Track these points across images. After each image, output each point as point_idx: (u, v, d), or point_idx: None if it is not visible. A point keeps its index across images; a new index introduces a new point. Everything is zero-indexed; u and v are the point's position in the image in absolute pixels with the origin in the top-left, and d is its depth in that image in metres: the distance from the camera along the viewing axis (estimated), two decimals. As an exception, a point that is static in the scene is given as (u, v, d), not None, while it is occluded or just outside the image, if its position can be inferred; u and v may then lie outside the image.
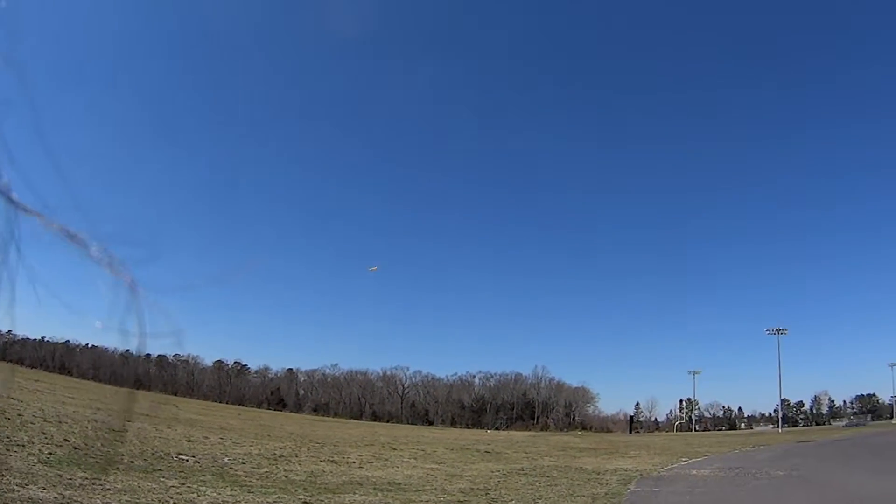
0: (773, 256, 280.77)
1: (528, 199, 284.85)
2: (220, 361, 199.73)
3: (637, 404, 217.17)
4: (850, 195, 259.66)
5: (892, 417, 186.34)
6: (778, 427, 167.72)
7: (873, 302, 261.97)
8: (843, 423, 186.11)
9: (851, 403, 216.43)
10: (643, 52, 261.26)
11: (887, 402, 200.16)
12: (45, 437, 23.63)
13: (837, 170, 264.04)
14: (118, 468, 20.20)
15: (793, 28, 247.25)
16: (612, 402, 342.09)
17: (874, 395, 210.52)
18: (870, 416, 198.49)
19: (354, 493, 21.32)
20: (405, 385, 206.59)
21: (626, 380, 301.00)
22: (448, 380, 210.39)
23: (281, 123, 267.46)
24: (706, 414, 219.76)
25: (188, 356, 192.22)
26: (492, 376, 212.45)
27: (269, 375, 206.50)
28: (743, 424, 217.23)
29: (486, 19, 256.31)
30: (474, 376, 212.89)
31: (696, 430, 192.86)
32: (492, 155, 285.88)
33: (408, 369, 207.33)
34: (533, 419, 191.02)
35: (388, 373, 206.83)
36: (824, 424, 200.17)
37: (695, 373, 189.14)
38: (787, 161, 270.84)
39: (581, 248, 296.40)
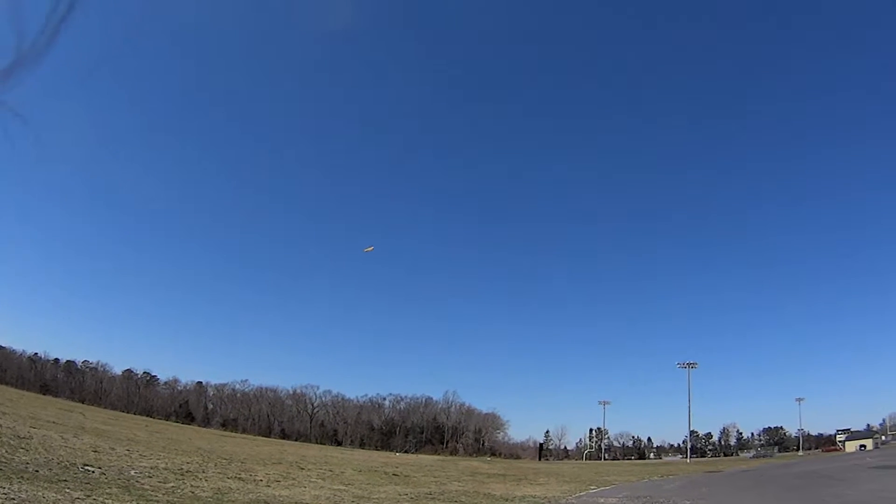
0: (687, 291, 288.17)
1: (444, 222, 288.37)
2: (129, 370, 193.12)
3: (547, 432, 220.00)
4: (760, 232, 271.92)
5: (798, 449, 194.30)
6: (687, 457, 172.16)
7: (783, 340, 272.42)
8: (751, 455, 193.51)
9: (759, 436, 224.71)
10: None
11: (794, 434, 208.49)
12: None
13: (748, 210, 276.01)
14: (22, 477, 19.75)
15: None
16: (522, 428, 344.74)
17: (781, 427, 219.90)
18: (777, 447, 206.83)
19: (260, 512, 21.32)
20: (315, 404, 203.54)
21: (537, 407, 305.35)
22: (358, 401, 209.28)
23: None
24: (616, 443, 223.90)
25: (97, 363, 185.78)
26: (402, 399, 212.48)
27: (178, 388, 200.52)
28: (652, 454, 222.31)
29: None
30: (384, 398, 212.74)
31: (605, 459, 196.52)
32: (408, 174, 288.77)
33: (318, 388, 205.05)
34: (442, 443, 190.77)
35: (298, 391, 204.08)
36: (732, 455, 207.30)
37: (605, 403, 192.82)
38: (697, 199, 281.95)
39: (493, 276, 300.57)
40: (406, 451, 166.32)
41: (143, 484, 24.36)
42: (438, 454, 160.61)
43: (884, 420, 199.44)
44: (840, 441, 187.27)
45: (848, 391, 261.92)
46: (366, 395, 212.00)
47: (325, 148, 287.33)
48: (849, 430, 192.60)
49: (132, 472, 27.35)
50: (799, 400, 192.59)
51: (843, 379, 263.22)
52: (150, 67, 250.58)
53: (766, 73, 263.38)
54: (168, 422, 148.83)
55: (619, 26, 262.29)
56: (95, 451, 33.27)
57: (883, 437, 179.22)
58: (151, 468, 30.67)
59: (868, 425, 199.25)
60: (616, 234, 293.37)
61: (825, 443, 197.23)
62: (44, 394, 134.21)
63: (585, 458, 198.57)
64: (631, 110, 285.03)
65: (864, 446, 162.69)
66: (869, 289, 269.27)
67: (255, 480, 33.47)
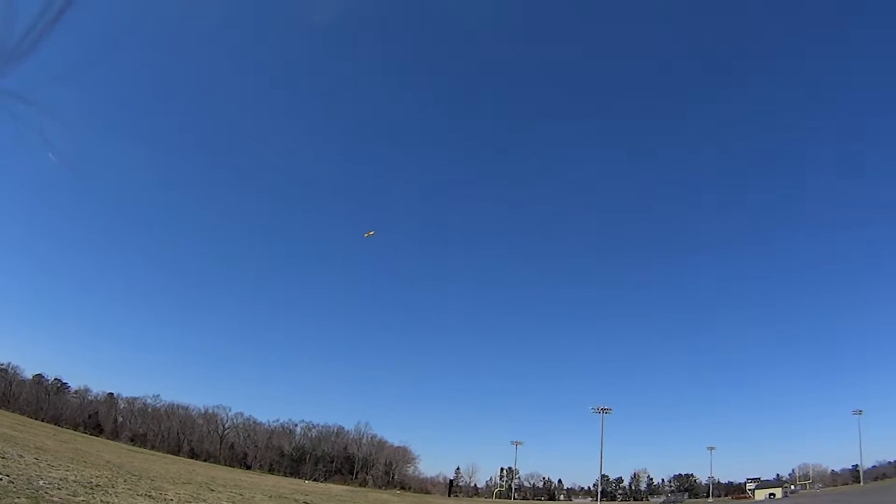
0: (604, 337, 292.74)
1: (362, 253, 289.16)
2: (39, 376, 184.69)
3: (458, 469, 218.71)
4: (675, 282, 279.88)
5: (707, 496, 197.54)
6: (597, 500, 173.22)
7: (696, 389, 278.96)
8: (661, 501, 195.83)
9: (670, 482, 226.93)
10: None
11: (704, 482, 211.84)
12: None
13: (663, 258, 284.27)
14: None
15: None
16: (433, 464, 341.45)
17: (692, 475, 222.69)
18: (687, 494, 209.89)
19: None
20: (226, 425, 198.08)
21: (449, 443, 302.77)
22: (269, 425, 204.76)
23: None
24: (526, 483, 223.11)
25: (7, 365, 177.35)
26: (314, 427, 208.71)
27: (89, 397, 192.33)
28: (562, 496, 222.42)
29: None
30: (296, 425, 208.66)
31: (515, 499, 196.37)
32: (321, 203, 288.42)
33: (229, 410, 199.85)
34: (352, 474, 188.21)
35: (210, 411, 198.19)
36: (642, 500, 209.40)
37: (517, 443, 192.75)
38: (616, 245, 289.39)
39: (411, 311, 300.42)
40: (315, 480, 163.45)
41: (52, 496, 23.66)
42: (348, 484, 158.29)
43: (793, 470, 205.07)
44: (750, 489, 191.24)
45: (759, 441, 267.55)
46: (278, 420, 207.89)
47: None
48: (759, 478, 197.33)
49: (41, 483, 26.49)
50: (710, 448, 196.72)
51: (754, 429, 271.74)
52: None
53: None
54: (76, 432, 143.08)
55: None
56: (3, 458, 32.09)
57: (792, 487, 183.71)
58: (60, 479, 29.71)
59: (778, 475, 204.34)
60: (535, 275, 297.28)
61: (735, 491, 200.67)
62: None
63: (495, 497, 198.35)
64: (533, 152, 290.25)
65: (774, 495, 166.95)
66: (781, 342, 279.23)
67: (165, 500, 32.75)
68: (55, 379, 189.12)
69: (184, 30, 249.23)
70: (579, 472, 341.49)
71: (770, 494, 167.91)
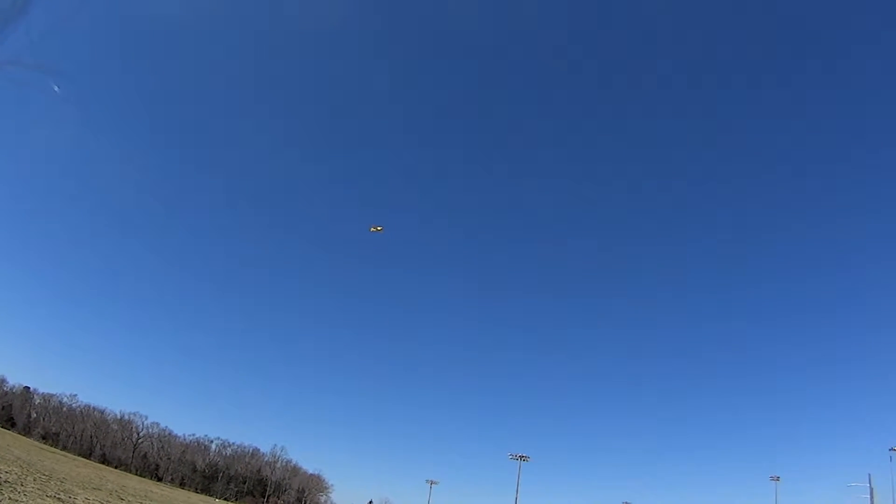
0: (527, 389, 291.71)
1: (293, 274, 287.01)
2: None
3: (370, 502, 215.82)
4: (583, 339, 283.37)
5: None
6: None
7: (614, 439, 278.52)
8: None
9: None
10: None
11: None
12: None
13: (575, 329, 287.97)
14: None
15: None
16: (346, 495, 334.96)
17: None
18: None
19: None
20: (140, 434, 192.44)
21: (364, 476, 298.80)
22: (185, 439, 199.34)
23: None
24: None
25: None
26: (229, 445, 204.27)
27: (4, 388, 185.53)
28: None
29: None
30: (212, 441, 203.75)
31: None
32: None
33: (146, 418, 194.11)
34: (264, 497, 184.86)
35: (126, 417, 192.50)
36: None
37: (432, 482, 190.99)
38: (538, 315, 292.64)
39: (336, 340, 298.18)
40: (226, 499, 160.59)
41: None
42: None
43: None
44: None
45: (671, 496, 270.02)
46: (193, 435, 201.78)
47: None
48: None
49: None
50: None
51: (670, 489, 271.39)
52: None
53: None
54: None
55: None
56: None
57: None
58: (-29, 472, 29.53)
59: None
60: (456, 319, 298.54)
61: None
62: None
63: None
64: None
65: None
66: (701, 399, 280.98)
67: None
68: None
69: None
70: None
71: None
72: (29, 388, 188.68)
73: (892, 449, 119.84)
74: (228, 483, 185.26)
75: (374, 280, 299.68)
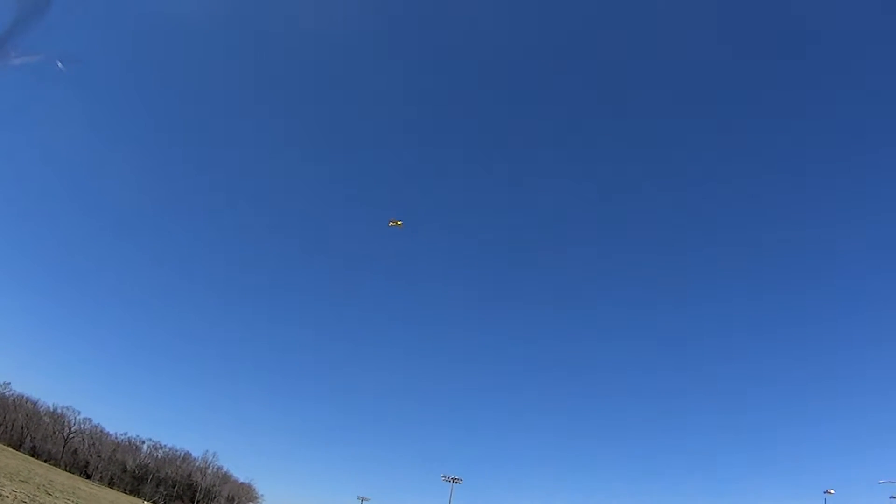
0: (457, 411, 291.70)
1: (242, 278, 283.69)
2: None
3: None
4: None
5: None
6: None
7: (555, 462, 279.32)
8: None
9: None
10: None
11: None
12: None
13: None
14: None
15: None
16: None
17: None
18: None
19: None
20: (72, 429, 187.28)
21: (295, 488, 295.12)
22: (116, 437, 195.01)
23: None
24: None
25: None
26: (161, 447, 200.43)
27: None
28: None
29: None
30: (143, 442, 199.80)
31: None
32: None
33: (79, 414, 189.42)
34: (193, 502, 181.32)
35: (58, 411, 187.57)
36: None
37: (363, 499, 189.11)
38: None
39: (276, 352, 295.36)
40: (155, 502, 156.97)
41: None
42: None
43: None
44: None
45: None
46: (125, 434, 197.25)
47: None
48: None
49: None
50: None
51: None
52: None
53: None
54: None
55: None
56: None
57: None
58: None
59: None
60: (396, 338, 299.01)
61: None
62: None
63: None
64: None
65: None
66: (603, 425, 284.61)
67: (1, 495, 32.77)
68: None
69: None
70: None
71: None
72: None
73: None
74: (158, 486, 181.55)
75: (312, 296, 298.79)
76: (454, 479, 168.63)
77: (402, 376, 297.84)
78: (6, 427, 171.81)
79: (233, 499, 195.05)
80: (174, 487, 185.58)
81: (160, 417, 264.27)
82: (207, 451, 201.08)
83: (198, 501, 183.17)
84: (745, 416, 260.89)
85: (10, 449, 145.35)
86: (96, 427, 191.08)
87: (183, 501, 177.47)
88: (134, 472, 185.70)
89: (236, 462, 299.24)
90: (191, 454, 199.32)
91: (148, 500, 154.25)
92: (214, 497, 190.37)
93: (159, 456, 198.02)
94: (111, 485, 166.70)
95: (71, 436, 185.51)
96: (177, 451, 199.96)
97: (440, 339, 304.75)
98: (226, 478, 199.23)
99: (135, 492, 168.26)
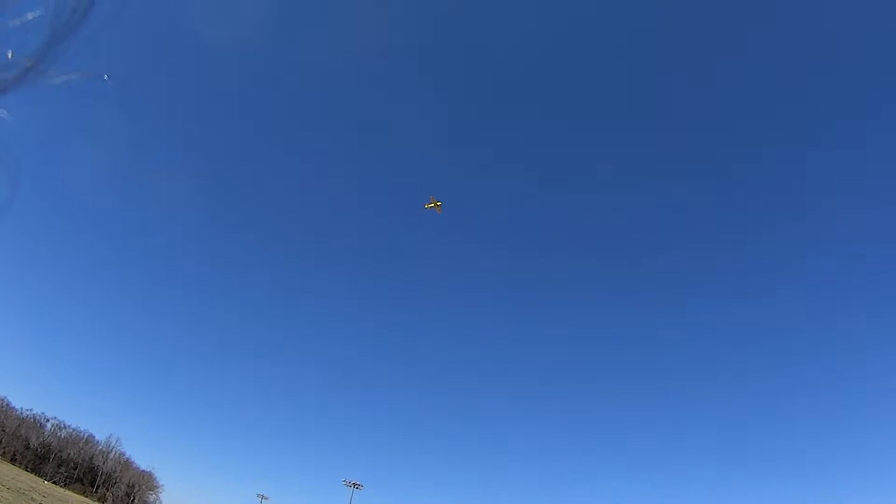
0: (363, 419, 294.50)
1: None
2: None
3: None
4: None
5: None
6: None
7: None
8: None
9: None
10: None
11: None
12: None
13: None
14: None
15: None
16: (177, 497, 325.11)
17: None
18: None
19: None
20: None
21: (196, 481, 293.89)
22: (22, 413, 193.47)
23: None
24: None
25: None
26: (65, 427, 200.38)
27: None
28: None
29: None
30: (48, 420, 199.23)
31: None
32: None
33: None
34: (93, 486, 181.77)
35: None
36: None
37: (262, 497, 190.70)
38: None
39: (183, 342, 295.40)
40: (55, 482, 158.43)
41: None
42: (87, 496, 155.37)
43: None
44: None
45: None
46: (31, 410, 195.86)
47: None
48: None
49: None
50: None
51: None
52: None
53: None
54: None
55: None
56: None
57: None
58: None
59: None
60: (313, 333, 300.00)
61: None
62: None
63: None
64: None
65: None
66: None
67: None
68: None
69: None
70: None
71: None
72: None
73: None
74: (59, 466, 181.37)
75: (228, 286, 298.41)
76: (355, 483, 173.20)
77: (308, 379, 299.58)
78: None
79: (133, 486, 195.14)
80: (76, 469, 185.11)
81: (67, 396, 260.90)
82: (111, 435, 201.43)
83: (98, 486, 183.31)
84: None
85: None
86: (2, 399, 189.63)
87: (83, 485, 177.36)
88: (37, 450, 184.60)
89: (139, 449, 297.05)
90: (94, 437, 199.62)
91: (48, 481, 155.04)
92: (115, 483, 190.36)
93: (62, 436, 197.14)
94: (13, 461, 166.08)
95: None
96: (80, 432, 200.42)
97: (343, 345, 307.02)
98: (127, 464, 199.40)
99: (36, 470, 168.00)
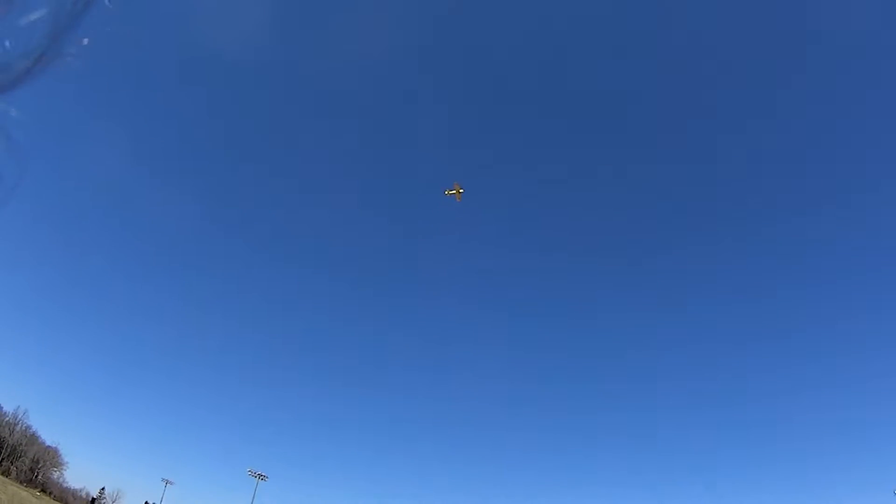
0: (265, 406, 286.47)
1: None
2: None
3: (103, 489, 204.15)
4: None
5: None
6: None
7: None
8: None
9: None
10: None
11: None
12: None
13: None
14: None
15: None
16: (81, 475, 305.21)
17: None
18: None
19: None
20: None
21: (103, 460, 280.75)
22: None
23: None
24: None
25: None
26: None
27: None
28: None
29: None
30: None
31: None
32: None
33: None
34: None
35: None
36: None
37: (167, 481, 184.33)
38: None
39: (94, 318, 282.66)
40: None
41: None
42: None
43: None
44: None
45: None
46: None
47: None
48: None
49: None
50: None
51: None
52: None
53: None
54: None
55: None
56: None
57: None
58: None
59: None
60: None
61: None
62: None
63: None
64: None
65: None
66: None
67: None
68: None
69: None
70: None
71: None
72: None
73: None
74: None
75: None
76: (260, 475, 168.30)
77: (218, 368, 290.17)
78: None
79: (38, 461, 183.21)
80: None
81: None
82: (19, 407, 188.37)
83: (2, 460, 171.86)
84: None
85: None
86: None
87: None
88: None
89: (46, 423, 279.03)
90: (2, 408, 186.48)
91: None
92: (20, 456, 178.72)
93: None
94: None
95: None
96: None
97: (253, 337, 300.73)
98: (33, 438, 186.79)
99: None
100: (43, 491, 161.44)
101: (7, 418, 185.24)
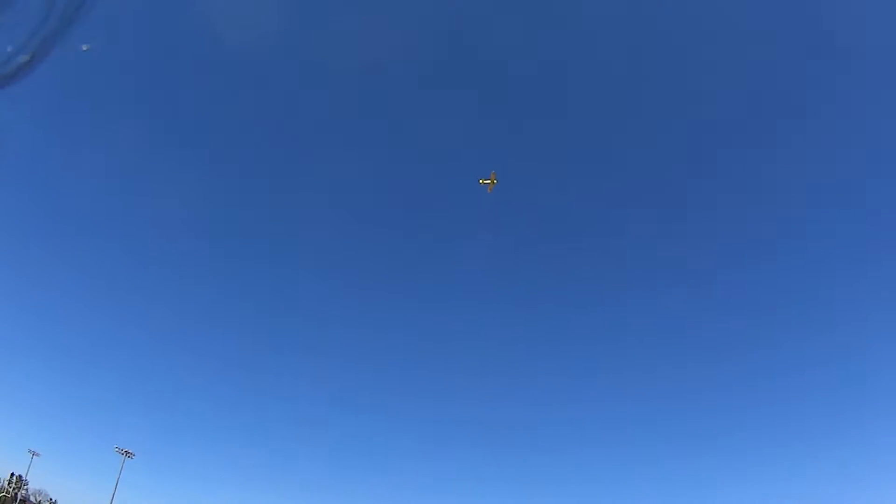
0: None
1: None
2: None
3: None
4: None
5: None
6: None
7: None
8: None
9: None
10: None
11: None
12: None
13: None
14: None
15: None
16: None
17: None
18: None
19: None
20: None
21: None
22: None
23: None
24: (32, 499, 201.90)
25: None
26: None
27: None
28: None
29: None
30: None
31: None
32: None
33: None
34: None
35: None
36: None
37: (34, 453, 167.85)
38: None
39: None
40: None
41: None
42: None
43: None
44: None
45: None
46: None
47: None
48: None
49: None
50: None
51: None
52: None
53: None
54: None
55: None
56: None
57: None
58: None
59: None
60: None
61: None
62: None
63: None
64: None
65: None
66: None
67: None
68: None
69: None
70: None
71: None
72: None
73: None
74: None
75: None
76: (127, 452, 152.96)
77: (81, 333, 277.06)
78: None
79: None
80: None
81: None
82: None
83: None
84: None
85: None
86: None
87: None
88: None
89: None
90: None
91: None
92: None
93: None
94: None
95: None
96: None
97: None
98: None
99: None
100: None
101: None
